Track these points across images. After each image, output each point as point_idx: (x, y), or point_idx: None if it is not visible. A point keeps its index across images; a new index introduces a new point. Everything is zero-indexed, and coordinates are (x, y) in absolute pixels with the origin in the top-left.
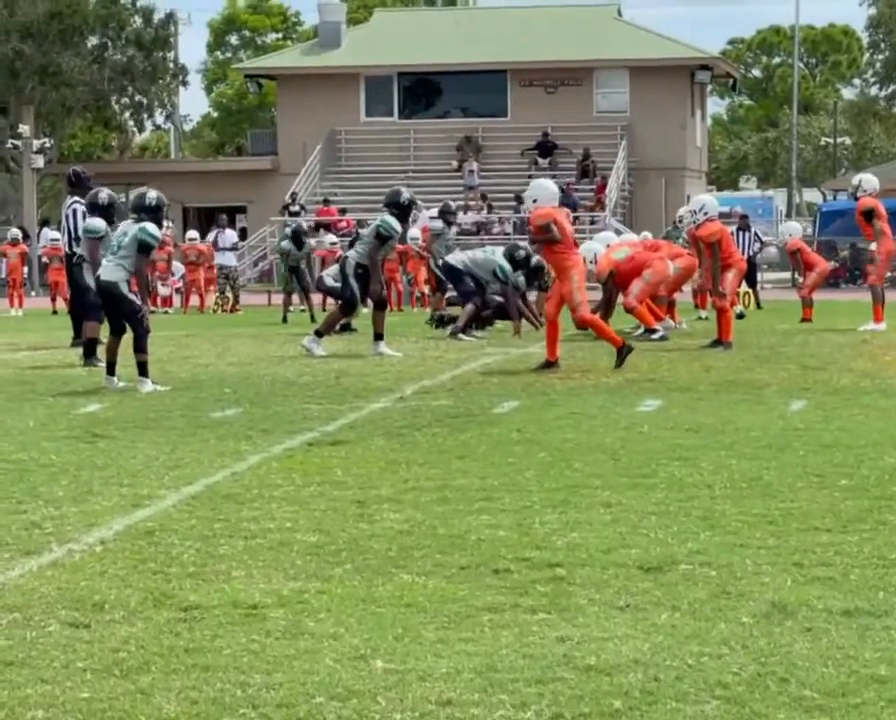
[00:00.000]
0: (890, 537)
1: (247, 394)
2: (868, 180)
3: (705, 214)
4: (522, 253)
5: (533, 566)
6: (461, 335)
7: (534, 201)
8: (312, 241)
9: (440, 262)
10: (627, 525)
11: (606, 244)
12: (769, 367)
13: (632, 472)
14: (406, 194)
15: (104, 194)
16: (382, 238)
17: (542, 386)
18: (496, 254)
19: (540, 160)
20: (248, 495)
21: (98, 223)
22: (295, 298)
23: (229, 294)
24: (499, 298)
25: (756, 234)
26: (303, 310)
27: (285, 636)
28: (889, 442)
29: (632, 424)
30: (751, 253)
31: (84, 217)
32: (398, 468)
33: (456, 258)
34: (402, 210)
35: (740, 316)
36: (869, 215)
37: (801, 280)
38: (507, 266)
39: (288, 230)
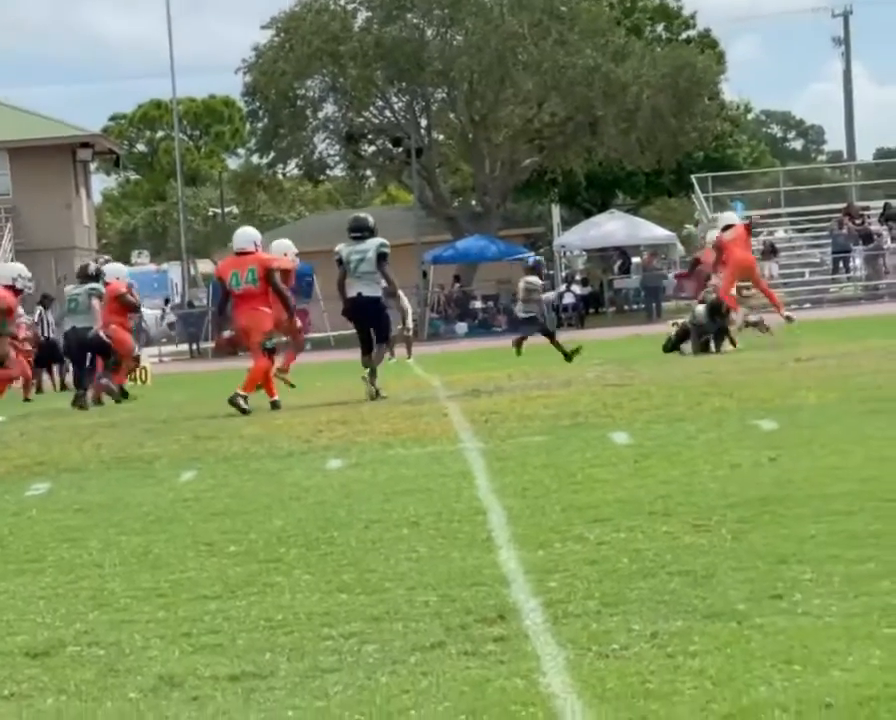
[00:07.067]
0: (277, 599)
1: None
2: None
3: None
4: None
5: None
6: None
7: None
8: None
9: None
10: (14, 612)
11: None
12: (160, 440)
13: (20, 558)
14: None
15: None
16: None
17: None
18: None
19: None
20: None
21: None
22: None
23: None
24: None
25: None
26: None
27: None
28: (277, 505)
29: (21, 510)
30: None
31: None
32: None
33: None
34: None
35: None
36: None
37: None
38: None
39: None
